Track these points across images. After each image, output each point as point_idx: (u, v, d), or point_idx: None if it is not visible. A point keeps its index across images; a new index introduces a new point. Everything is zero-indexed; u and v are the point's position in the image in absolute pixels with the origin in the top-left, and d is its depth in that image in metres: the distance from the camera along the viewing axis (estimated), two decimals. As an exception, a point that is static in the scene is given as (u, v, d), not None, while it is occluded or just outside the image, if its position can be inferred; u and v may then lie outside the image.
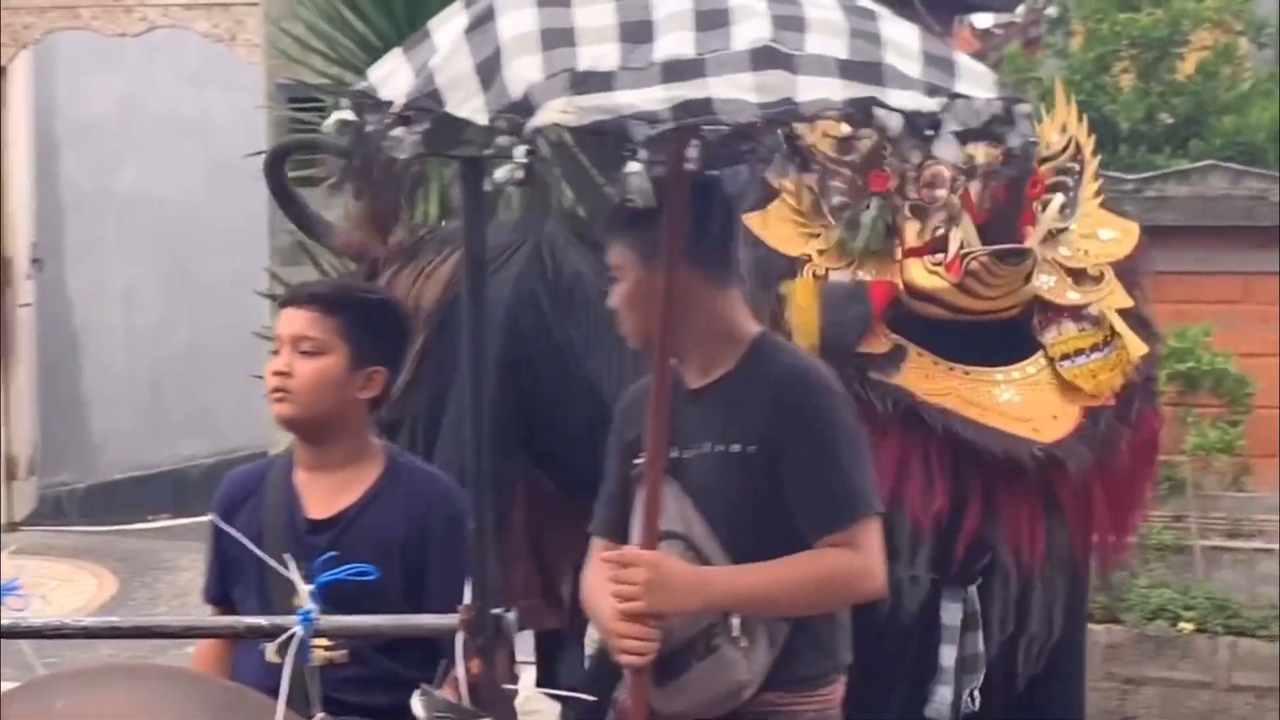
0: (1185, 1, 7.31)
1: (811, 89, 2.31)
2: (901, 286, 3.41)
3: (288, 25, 6.31)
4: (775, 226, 3.38)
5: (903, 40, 2.41)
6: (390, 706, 2.89)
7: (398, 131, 2.37)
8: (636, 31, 2.37)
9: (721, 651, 2.73)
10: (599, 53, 2.35)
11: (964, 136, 2.39)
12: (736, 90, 2.29)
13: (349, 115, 2.41)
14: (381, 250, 4.06)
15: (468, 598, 2.67)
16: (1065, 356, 3.43)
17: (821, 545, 2.74)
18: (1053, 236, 3.50)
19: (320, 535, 3.07)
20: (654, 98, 2.29)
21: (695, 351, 2.82)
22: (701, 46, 2.34)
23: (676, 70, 2.31)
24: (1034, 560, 3.44)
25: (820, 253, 3.37)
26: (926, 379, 3.46)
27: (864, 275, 3.38)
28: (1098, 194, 3.70)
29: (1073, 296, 3.51)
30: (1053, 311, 3.52)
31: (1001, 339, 3.51)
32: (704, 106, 2.30)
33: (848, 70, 2.34)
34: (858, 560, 2.72)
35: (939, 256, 3.34)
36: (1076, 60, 7.39)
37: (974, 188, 3.23)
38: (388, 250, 4.06)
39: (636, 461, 2.80)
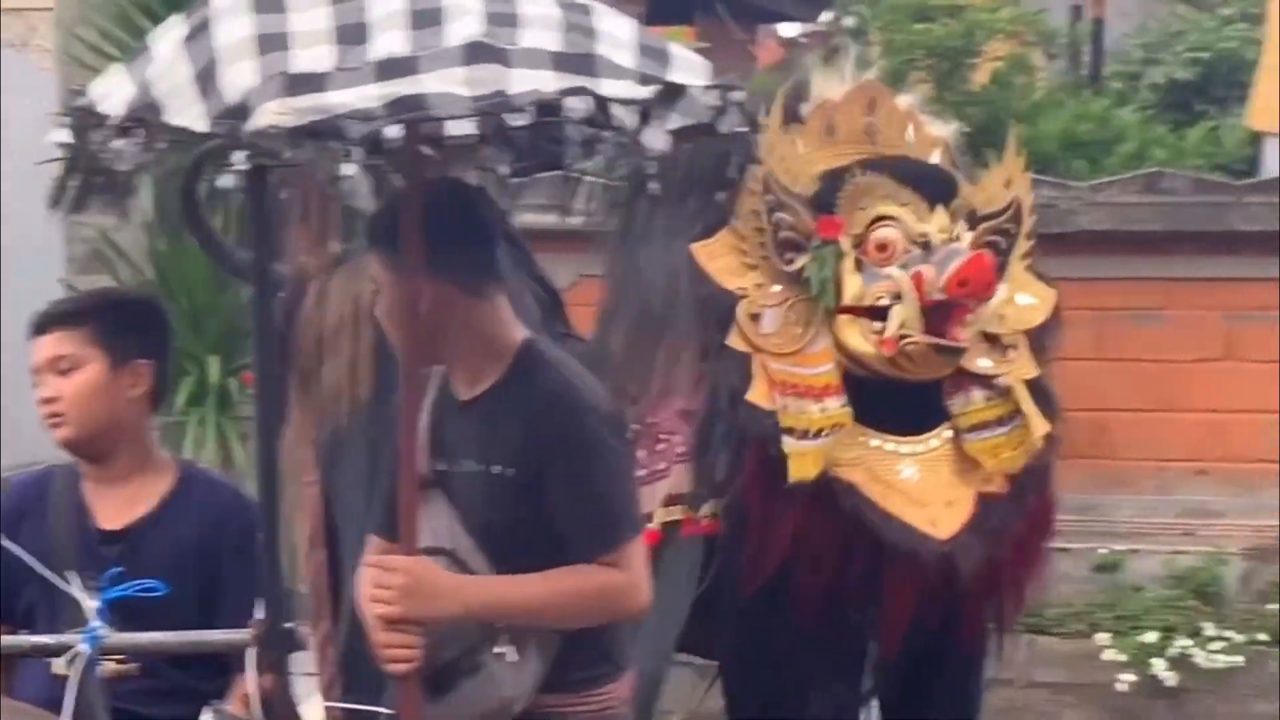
0: (979, 13, 7.50)
1: (524, 81, 2.36)
2: (831, 340, 3.19)
3: (81, 30, 6.19)
4: (720, 257, 3.17)
5: (617, 33, 2.48)
6: (181, 719, 2.88)
7: (118, 144, 2.40)
8: (352, 33, 2.41)
9: (488, 669, 2.72)
10: (314, 55, 2.39)
11: (683, 132, 2.44)
12: (448, 84, 2.33)
13: (67, 136, 2.45)
14: (314, 268, 4.00)
15: (260, 612, 2.65)
16: (971, 428, 3.24)
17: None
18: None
19: (113, 546, 3.05)
20: (368, 95, 2.33)
21: (460, 363, 2.79)
22: (416, 45, 2.38)
23: (390, 68, 2.36)
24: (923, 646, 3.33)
25: (758, 286, 3.16)
26: (841, 445, 3.26)
27: (793, 318, 3.15)
28: (1026, 255, 3.48)
29: (984, 364, 3.30)
30: (965, 378, 3.30)
31: (912, 403, 3.29)
32: (417, 102, 2.34)
33: (560, 62, 2.40)
34: (622, 578, 2.71)
35: (877, 325, 3.13)
36: (874, 70, 7.51)
37: (928, 272, 3.01)
38: (319, 265, 3.98)
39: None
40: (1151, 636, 6.33)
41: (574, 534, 2.72)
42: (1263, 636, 6.16)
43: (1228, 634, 6.10)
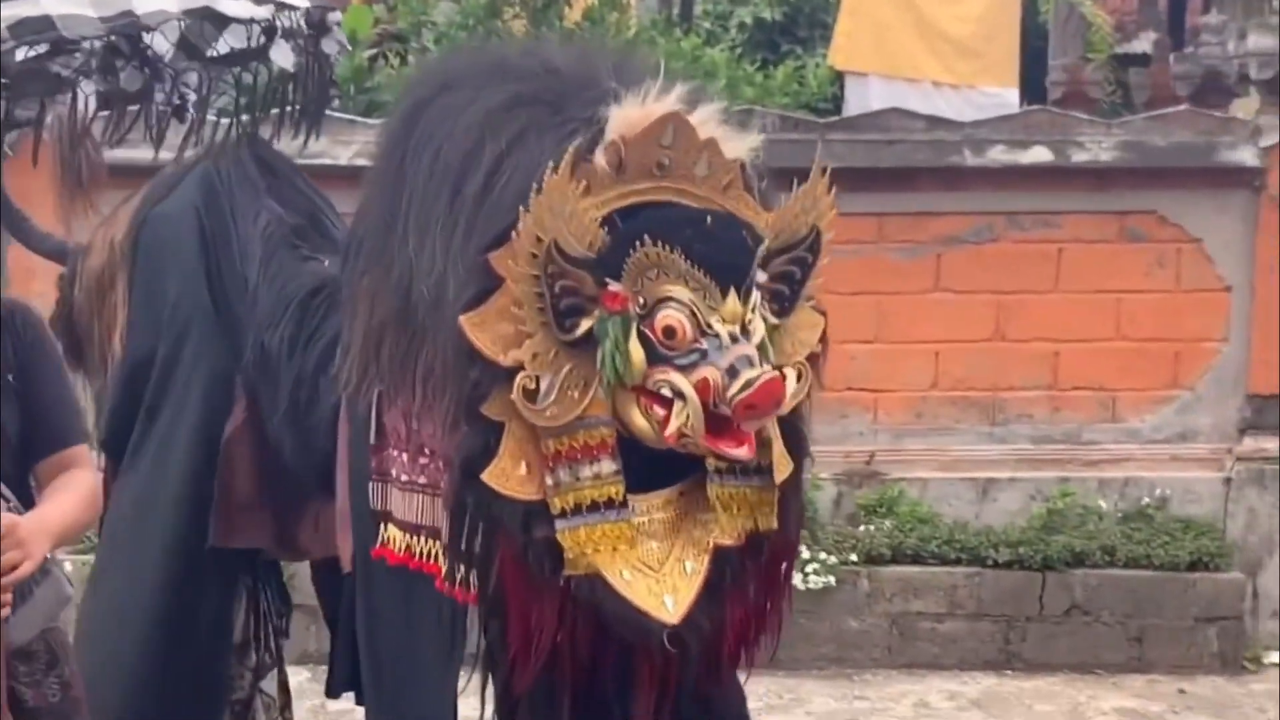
0: (569, -52, 7.49)
1: (148, 2, 2.34)
2: (609, 409, 2.80)
3: None
4: (492, 326, 2.75)
5: None
6: None
7: None
8: None
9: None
10: None
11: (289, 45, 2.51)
12: (75, 6, 2.29)
13: None
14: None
15: None
16: (719, 472, 2.86)
17: (57, 462, 2.99)
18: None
19: None
20: None
21: None
22: None
23: None
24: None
25: (534, 357, 2.74)
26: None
27: (570, 383, 2.75)
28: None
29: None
30: None
31: (669, 453, 2.88)
32: (45, 24, 2.29)
33: None
34: (94, 476, 3.12)
35: (660, 412, 2.73)
36: (469, 5, 7.41)
37: (714, 379, 2.65)
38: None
39: None
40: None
41: (55, 428, 2.98)
42: (853, 557, 6.40)
43: (822, 556, 6.31)
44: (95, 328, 3.73)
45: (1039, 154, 6.67)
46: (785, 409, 2.72)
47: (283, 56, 2.50)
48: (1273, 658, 6.61)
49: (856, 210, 6.40)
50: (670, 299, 2.65)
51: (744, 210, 2.72)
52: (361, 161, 6.56)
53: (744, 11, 9.84)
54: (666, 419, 2.71)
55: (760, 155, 2.78)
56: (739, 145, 2.75)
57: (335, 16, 2.60)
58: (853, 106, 7.33)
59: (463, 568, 2.92)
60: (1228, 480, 6.77)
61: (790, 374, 2.75)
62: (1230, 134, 6.70)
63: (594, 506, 2.79)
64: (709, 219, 2.68)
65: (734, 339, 2.67)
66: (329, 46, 2.60)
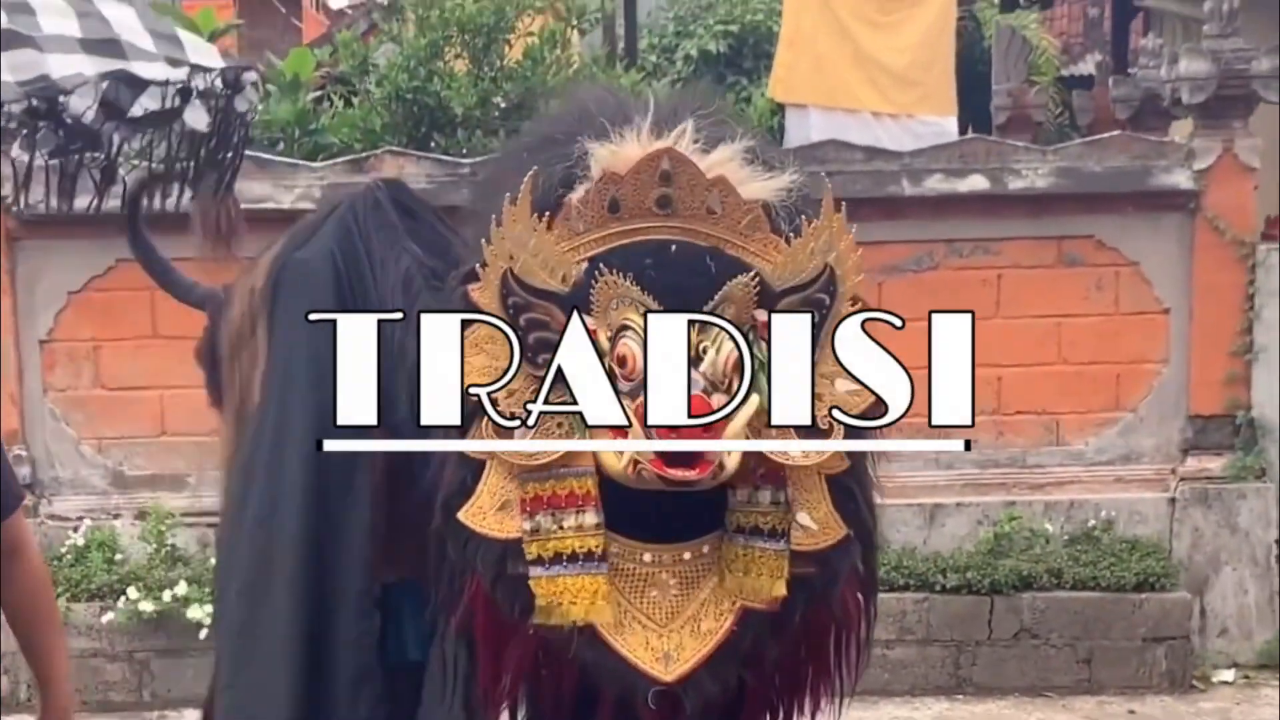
0: (510, -11, 7.51)
1: (62, 65, 2.38)
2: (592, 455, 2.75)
3: None
4: (469, 357, 2.69)
5: (126, 20, 2.53)
6: None
7: None
8: None
9: None
10: None
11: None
12: None
13: None
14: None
15: None
16: (740, 530, 2.75)
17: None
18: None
19: None
20: None
21: None
22: None
23: None
24: None
25: (510, 394, 2.69)
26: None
27: (554, 424, 2.69)
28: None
29: (784, 454, 2.74)
30: (761, 468, 2.75)
31: (685, 503, 2.76)
32: None
33: (90, 47, 2.42)
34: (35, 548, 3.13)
35: (623, 444, 2.68)
36: (410, 47, 7.43)
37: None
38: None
39: None
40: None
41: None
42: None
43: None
44: (235, 374, 3.71)
45: (976, 182, 6.73)
46: (729, 435, 2.59)
47: (196, 118, 2.56)
48: (1222, 676, 6.66)
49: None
50: (626, 328, 2.61)
51: (765, 252, 2.65)
52: (305, 204, 6.60)
53: (689, 44, 9.89)
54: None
55: (794, 194, 2.69)
56: (762, 186, 2.67)
57: (250, 76, 2.67)
58: (793, 137, 7.35)
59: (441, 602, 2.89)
60: (1172, 500, 6.83)
61: (748, 402, 2.61)
62: (1164, 158, 6.77)
63: (574, 557, 2.71)
64: (673, 248, 2.63)
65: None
66: (242, 105, 2.66)
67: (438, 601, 2.89)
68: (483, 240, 2.58)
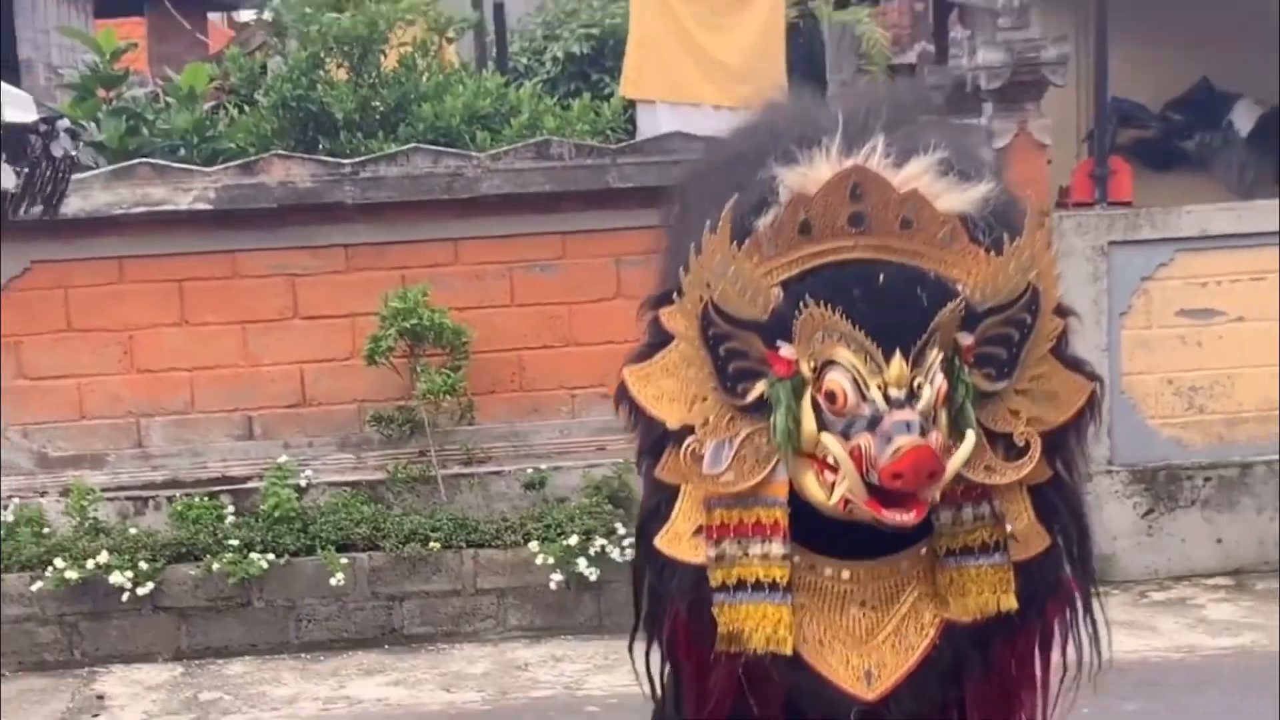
0: (382, 3, 8.21)
1: None
2: (787, 487, 2.64)
3: None
4: (658, 380, 2.63)
5: None
6: None
7: None
8: None
9: None
10: None
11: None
12: None
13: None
14: None
15: None
16: (951, 553, 2.66)
17: None
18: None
19: None
20: None
21: None
22: None
23: None
24: None
25: (704, 423, 2.60)
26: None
27: (748, 450, 2.61)
28: (1056, 340, 2.76)
29: (988, 473, 2.66)
30: (959, 485, 2.65)
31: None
32: None
33: None
34: None
35: (830, 477, 2.59)
36: (295, 59, 8.12)
37: (866, 446, 2.52)
38: None
39: None
40: (574, 540, 7.27)
41: None
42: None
43: (638, 530, 7.01)
44: None
45: (803, 165, 7.48)
46: (948, 476, 2.53)
47: (5, 178, 2.78)
48: None
49: (646, 225, 7.21)
50: (834, 362, 2.52)
51: (964, 264, 2.56)
52: (202, 206, 7.33)
53: (556, 47, 10.48)
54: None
55: (990, 205, 2.56)
56: (959, 198, 2.57)
57: (63, 123, 2.93)
58: (645, 132, 8.07)
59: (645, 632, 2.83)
60: None
61: (965, 440, 2.54)
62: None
63: (759, 585, 2.64)
64: (881, 276, 2.52)
65: (896, 404, 2.52)
66: (57, 150, 2.91)
67: (641, 627, 2.83)
68: (680, 269, 2.51)
